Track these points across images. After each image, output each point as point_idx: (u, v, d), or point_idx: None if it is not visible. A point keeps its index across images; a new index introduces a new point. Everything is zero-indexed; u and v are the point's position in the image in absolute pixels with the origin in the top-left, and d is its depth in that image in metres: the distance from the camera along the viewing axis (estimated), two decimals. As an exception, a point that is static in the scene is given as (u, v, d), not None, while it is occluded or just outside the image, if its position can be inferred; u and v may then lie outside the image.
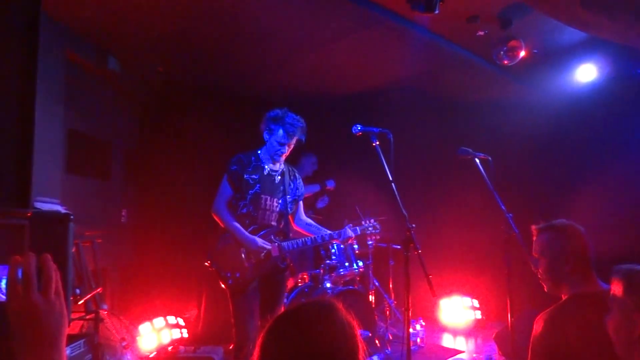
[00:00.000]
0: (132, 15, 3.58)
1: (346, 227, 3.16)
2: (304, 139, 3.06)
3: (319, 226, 3.28)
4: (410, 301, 2.73)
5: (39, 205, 2.29)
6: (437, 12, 2.97)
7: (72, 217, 2.44)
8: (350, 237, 3.16)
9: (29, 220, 1.39)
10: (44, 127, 2.51)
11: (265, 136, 3.05)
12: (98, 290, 4.04)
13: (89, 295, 3.83)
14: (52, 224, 2.27)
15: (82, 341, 3.23)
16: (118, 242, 4.89)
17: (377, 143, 2.89)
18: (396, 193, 2.78)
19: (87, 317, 3.46)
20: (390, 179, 2.81)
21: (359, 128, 2.92)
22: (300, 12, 3.49)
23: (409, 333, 2.72)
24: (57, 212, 2.38)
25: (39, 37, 1.30)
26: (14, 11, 1.29)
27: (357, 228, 3.16)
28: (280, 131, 2.97)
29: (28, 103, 1.32)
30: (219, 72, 4.93)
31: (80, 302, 3.65)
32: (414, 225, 2.71)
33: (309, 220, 3.32)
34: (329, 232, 3.17)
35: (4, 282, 0.84)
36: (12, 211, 1.32)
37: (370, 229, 3.18)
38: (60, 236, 2.34)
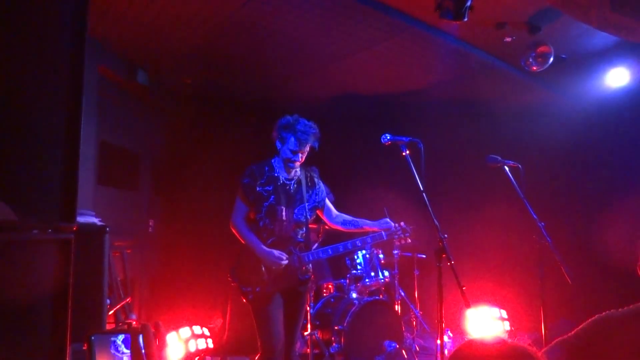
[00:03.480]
0: (162, 29, 3.65)
1: (368, 236, 2.98)
2: (317, 146, 2.95)
3: (357, 219, 3.11)
4: (442, 313, 2.67)
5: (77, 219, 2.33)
6: (465, 19, 2.94)
7: (107, 229, 2.48)
8: (376, 242, 3.05)
9: (75, 234, 1.42)
10: (81, 141, 2.56)
11: (278, 144, 2.96)
12: (127, 300, 4.09)
13: (119, 306, 3.88)
14: (90, 236, 2.31)
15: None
16: (146, 252, 4.95)
17: (407, 152, 2.85)
18: (427, 203, 2.73)
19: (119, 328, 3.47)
20: (422, 188, 2.76)
21: (388, 137, 2.87)
22: (329, 22, 3.50)
23: (443, 345, 2.65)
24: (94, 225, 2.43)
25: (84, 53, 1.32)
26: (62, 26, 1.30)
27: (383, 233, 2.97)
28: (292, 139, 2.86)
29: (75, 118, 1.33)
30: (247, 84, 4.99)
31: (110, 312, 3.69)
32: (446, 235, 2.66)
33: (345, 216, 3.15)
34: (370, 229, 3.00)
35: (119, 339, 0.99)
36: (61, 226, 1.34)
37: (399, 232, 2.98)
38: (96, 248, 2.38)
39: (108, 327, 3.56)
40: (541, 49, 3.66)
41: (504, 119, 5.20)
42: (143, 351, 0.92)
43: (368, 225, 3.05)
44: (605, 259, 4.48)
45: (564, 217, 4.78)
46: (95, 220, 2.52)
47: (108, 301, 3.79)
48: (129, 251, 4.41)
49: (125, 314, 3.98)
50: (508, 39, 3.87)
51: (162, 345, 0.96)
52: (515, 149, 3.73)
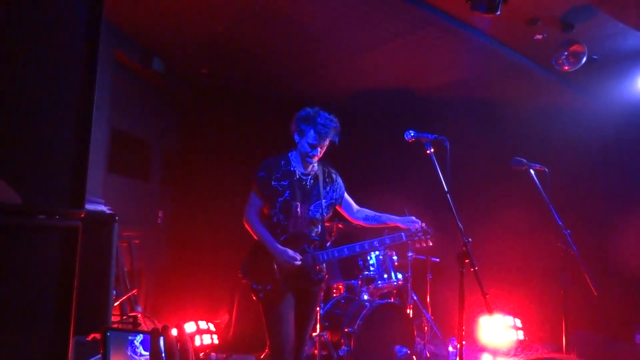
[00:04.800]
0: (180, 16, 3.54)
1: (386, 237, 2.80)
2: (337, 141, 2.80)
3: (380, 215, 2.95)
4: (463, 320, 2.54)
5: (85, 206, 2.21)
6: (498, 12, 2.79)
7: (117, 218, 2.35)
8: (394, 244, 2.89)
9: (82, 221, 1.31)
10: (93, 126, 2.46)
11: (296, 137, 2.82)
12: (133, 292, 3.99)
13: (125, 297, 3.78)
14: (98, 224, 2.18)
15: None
16: (154, 244, 4.86)
17: (432, 150, 2.71)
18: (452, 205, 2.59)
19: (125, 321, 3.38)
20: (446, 189, 2.62)
21: (412, 134, 2.73)
22: (355, 13, 3.36)
23: (462, 351, 2.51)
24: (103, 213, 2.31)
25: (99, 39, 1.23)
26: (78, 8, 1.20)
27: (403, 234, 2.78)
28: (312, 132, 2.73)
29: (87, 104, 1.23)
30: (264, 76, 4.87)
31: (116, 304, 3.60)
32: (470, 239, 2.53)
33: (367, 211, 3.00)
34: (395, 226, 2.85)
35: (137, 340, 0.88)
36: (68, 212, 1.24)
37: (420, 234, 2.77)
38: (105, 237, 2.25)
39: (113, 319, 3.47)
40: (574, 47, 3.50)
41: (531, 121, 5.03)
42: (163, 355, 0.81)
43: (393, 220, 2.89)
44: (626, 270, 4.32)
45: (590, 225, 4.61)
46: (104, 208, 2.41)
47: (114, 292, 3.71)
48: (137, 241, 4.32)
49: (131, 306, 3.88)
50: (539, 37, 3.71)
51: (187, 352, 0.85)
52: (541, 152, 3.59)
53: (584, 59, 3.56)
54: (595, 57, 3.95)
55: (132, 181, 4.52)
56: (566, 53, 3.51)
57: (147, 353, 0.84)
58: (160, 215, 5.02)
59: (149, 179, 4.81)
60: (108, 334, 0.85)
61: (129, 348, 0.86)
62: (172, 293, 4.89)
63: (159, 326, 0.87)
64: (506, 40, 3.87)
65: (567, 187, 4.07)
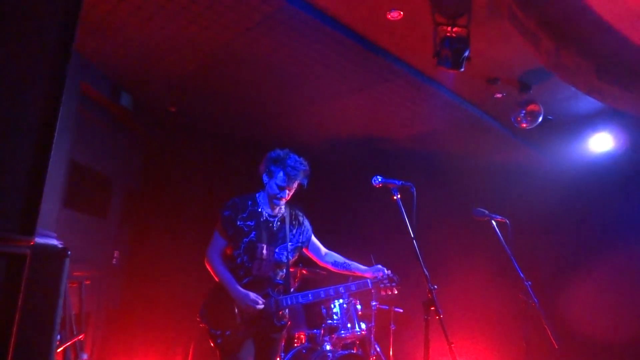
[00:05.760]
0: (151, 52, 3.56)
1: (352, 284, 2.80)
2: (305, 184, 2.82)
3: (349, 262, 2.94)
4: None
5: (36, 239, 2.08)
6: (462, 69, 2.95)
7: (69, 253, 2.21)
8: (360, 291, 2.85)
9: (31, 250, 1.22)
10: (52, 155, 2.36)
11: (265, 178, 2.82)
12: (80, 337, 3.71)
13: (70, 342, 3.51)
14: (48, 258, 2.05)
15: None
16: (106, 286, 4.59)
17: (399, 196, 2.74)
18: (417, 251, 2.60)
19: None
20: (412, 235, 2.63)
21: (380, 180, 2.77)
22: (327, 61, 3.48)
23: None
24: (54, 247, 2.17)
25: (67, 65, 1.21)
26: (47, 33, 1.19)
27: (368, 280, 2.78)
28: (281, 174, 2.73)
29: (48, 132, 1.19)
30: (232, 118, 4.89)
31: (59, 350, 3.32)
32: (435, 286, 2.52)
33: (336, 257, 2.99)
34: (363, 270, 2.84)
35: None
36: (15, 239, 1.15)
37: (385, 281, 2.78)
38: (54, 273, 2.11)
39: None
40: (531, 107, 3.72)
41: (492, 174, 5.23)
42: None
43: (361, 271, 2.89)
44: (584, 323, 4.39)
45: (549, 276, 4.72)
46: (56, 242, 2.26)
47: (58, 337, 3.43)
48: (87, 282, 4.06)
49: (76, 353, 3.59)
50: (498, 95, 3.94)
51: None
52: (501, 205, 3.69)
53: (540, 118, 3.78)
54: (550, 117, 4.21)
55: (89, 218, 4.32)
56: (524, 112, 3.72)
57: None
58: (116, 255, 4.77)
59: (107, 217, 4.60)
60: None
61: None
62: (123, 339, 4.58)
63: None
64: (469, 97, 4.08)
65: (526, 239, 4.19)
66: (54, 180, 3.15)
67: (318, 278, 4.69)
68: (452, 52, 2.93)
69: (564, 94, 3.90)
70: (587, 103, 4.00)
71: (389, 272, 2.81)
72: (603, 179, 4.62)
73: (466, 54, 2.94)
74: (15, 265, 1.11)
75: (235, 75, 3.86)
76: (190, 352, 4.59)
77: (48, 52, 1.21)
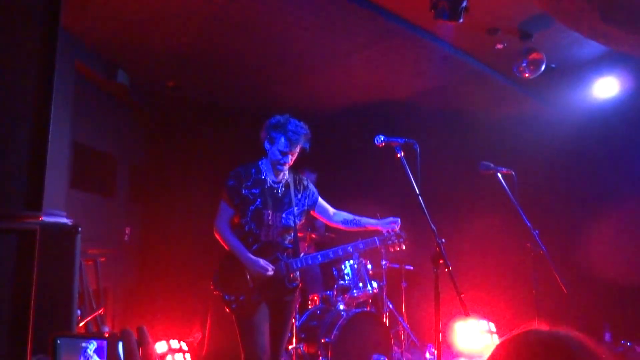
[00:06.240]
0: (143, 25, 3.49)
1: (360, 242, 2.83)
2: (308, 147, 2.82)
3: (359, 218, 2.94)
4: (439, 321, 2.53)
5: (45, 218, 2.11)
6: (461, 20, 2.87)
7: (79, 229, 2.24)
8: (368, 248, 2.88)
9: (42, 228, 1.24)
10: (52, 137, 2.37)
11: (266, 145, 2.82)
12: (100, 311, 3.83)
13: (90, 317, 3.62)
14: (60, 236, 2.08)
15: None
16: (121, 262, 4.69)
17: (402, 154, 2.73)
18: (424, 207, 2.61)
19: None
20: (417, 192, 2.64)
21: (382, 139, 2.75)
22: (321, 23, 3.40)
23: (440, 354, 2.50)
24: (64, 224, 2.21)
25: (56, 45, 1.19)
26: (34, 16, 1.17)
27: (376, 238, 2.81)
28: (282, 139, 2.73)
29: (44, 110, 1.19)
30: (231, 88, 4.84)
31: (81, 324, 3.44)
32: (443, 240, 2.54)
33: (346, 215, 2.99)
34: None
35: (90, 349, 0.77)
36: (24, 215, 1.17)
37: (393, 238, 2.81)
38: (67, 249, 2.15)
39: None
40: (533, 55, 3.64)
41: (496, 127, 5.18)
42: None
43: (372, 224, 2.90)
44: (593, 269, 4.45)
45: (557, 225, 4.74)
46: (66, 220, 2.30)
47: (79, 312, 3.54)
48: (102, 259, 4.16)
49: (97, 327, 3.72)
50: (499, 46, 3.85)
51: (150, 358, 0.75)
52: (506, 158, 3.67)
53: (543, 67, 3.70)
54: (553, 65, 4.12)
55: (96, 197, 4.37)
56: (526, 61, 3.65)
57: None
58: (127, 231, 4.85)
59: (115, 195, 4.66)
60: (58, 341, 0.76)
61: (82, 357, 0.76)
62: (141, 312, 4.72)
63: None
64: (469, 49, 4.00)
65: (532, 189, 4.19)
66: (58, 162, 3.17)
67: (328, 241, 4.76)
68: (449, 2, 2.85)
69: (567, 39, 3.80)
70: (591, 48, 3.90)
71: (397, 228, 2.83)
72: (608, 125, 4.57)
73: (464, 4, 2.87)
74: (26, 241, 1.14)
75: (231, 44, 3.80)
76: (209, 320, 4.72)
77: (35, 29, 1.20)
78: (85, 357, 0.75)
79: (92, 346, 0.75)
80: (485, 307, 5.17)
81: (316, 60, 4.08)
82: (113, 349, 0.73)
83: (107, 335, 0.76)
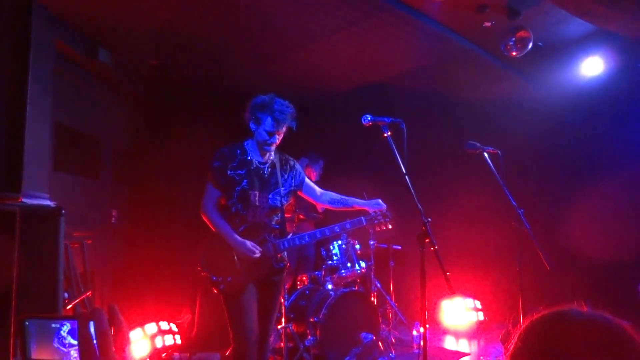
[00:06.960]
0: (125, 4, 3.39)
1: (347, 222, 2.82)
2: (294, 126, 2.79)
3: (346, 198, 2.94)
4: (425, 299, 2.57)
5: (26, 200, 2.08)
6: (449, -3, 2.84)
7: (63, 211, 2.22)
8: (355, 228, 2.89)
9: (20, 207, 1.22)
10: (32, 119, 2.31)
11: (252, 126, 2.77)
12: (87, 294, 3.82)
13: (78, 300, 3.61)
14: (42, 218, 2.06)
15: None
16: (108, 244, 4.66)
17: (389, 134, 2.73)
18: (410, 186, 2.62)
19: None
20: (404, 171, 2.64)
21: (369, 118, 2.74)
22: (304, 0, 3.33)
23: (426, 334, 2.55)
24: (47, 206, 2.18)
25: (31, 24, 1.15)
26: None
27: (362, 218, 2.81)
28: (269, 119, 2.69)
29: (20, 90, 1.16)
30: (216, 68, 4.75)
31: (68, 307, 3.43)
32: (429, 219, 2.56)
33: (333, 195, 2.99)
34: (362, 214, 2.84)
35: (64, 330, 0.75)
36: (2, 197, 1.15)
37: (379, 217, 2.82)
38: (50, 231, 2.13)
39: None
40: (521, 33, 3.63)
41: (482, 107, 5.19)
42: (95, 342, 0.70)
43: (359, 204, 2.89)
44: (578, 247, 4.54)
45: (541, 204, 4.81)
46: (49, 202, 2.27)
47: (66, 295, 3.52)
48: (89, 242, 4.13)
49: (86, 309, 3.71)
50: (487, 24, 3.82)
51: (123, 336, 0.73)
52: (493, 137, 3.69)
53: (530, 45, 3.70)
54: (540, 44, 4.11)
55: (81, 179, 4.30)
56: (514, 39, 3.63)
57: (77, 342, 0.72)
58: (114, 214, 4.81)
59: (100, 177, 4.59)
60: (27, 323, 0.73)
61: (55, 339, 0.74)
62: (130, 294, 4.71)
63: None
64: (457, 27, 3.96)
65: (519, 168, 4.23)
66: (39, 144, 3.10)
67: (316, 222, 4.78)
68: (437, -21, 2.81)
69: (554, 17, 3.79)
70: (577, 26, 3.90)
71: (383, 208, 2.84)
72: (594, 104, 4.61)
73: (452, -20, 2.83)
74: (6, 223, 1.12)
75: (214, 22, 3.71)
76: (197, 303, 4.74)
77: (7, 4, 1.16)
78: (59, 338, 0.74)
79: (66, 327, 0.74)
80: (471, 285, 5.27)
81: (300, 37, 4.02)
82: (84, 328, 0.71)
83: (77, 315, 0.74)
